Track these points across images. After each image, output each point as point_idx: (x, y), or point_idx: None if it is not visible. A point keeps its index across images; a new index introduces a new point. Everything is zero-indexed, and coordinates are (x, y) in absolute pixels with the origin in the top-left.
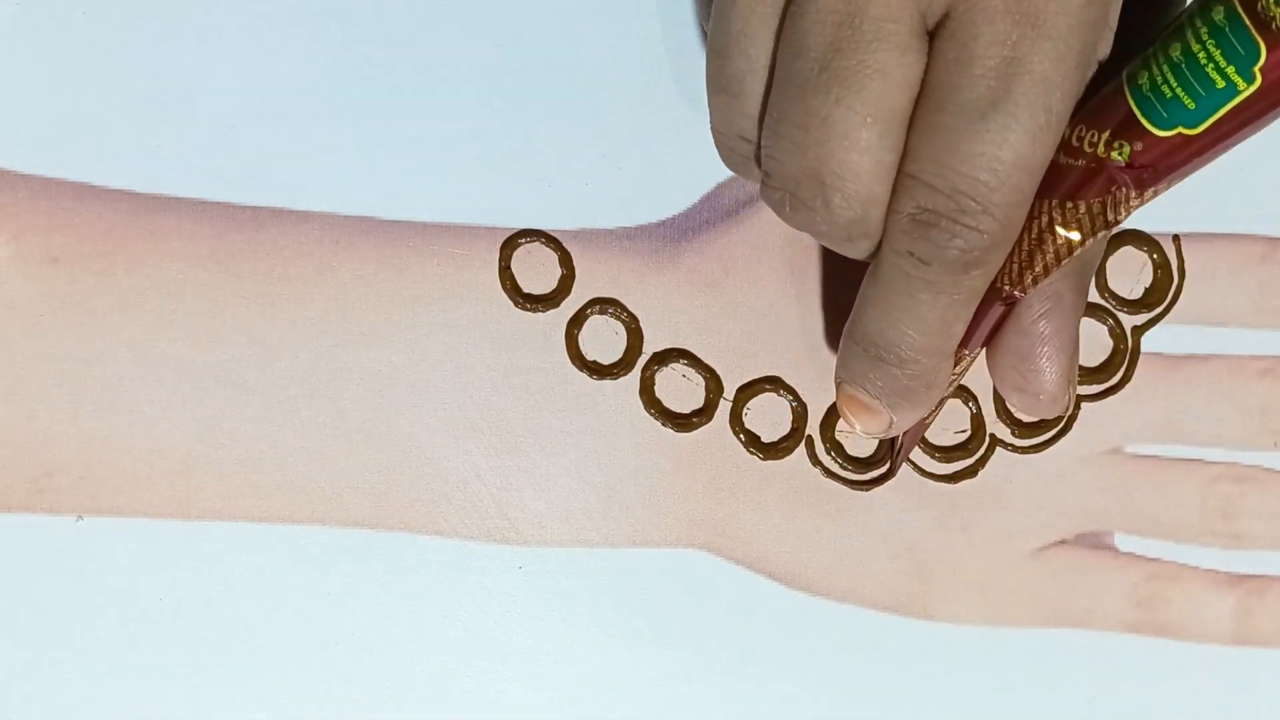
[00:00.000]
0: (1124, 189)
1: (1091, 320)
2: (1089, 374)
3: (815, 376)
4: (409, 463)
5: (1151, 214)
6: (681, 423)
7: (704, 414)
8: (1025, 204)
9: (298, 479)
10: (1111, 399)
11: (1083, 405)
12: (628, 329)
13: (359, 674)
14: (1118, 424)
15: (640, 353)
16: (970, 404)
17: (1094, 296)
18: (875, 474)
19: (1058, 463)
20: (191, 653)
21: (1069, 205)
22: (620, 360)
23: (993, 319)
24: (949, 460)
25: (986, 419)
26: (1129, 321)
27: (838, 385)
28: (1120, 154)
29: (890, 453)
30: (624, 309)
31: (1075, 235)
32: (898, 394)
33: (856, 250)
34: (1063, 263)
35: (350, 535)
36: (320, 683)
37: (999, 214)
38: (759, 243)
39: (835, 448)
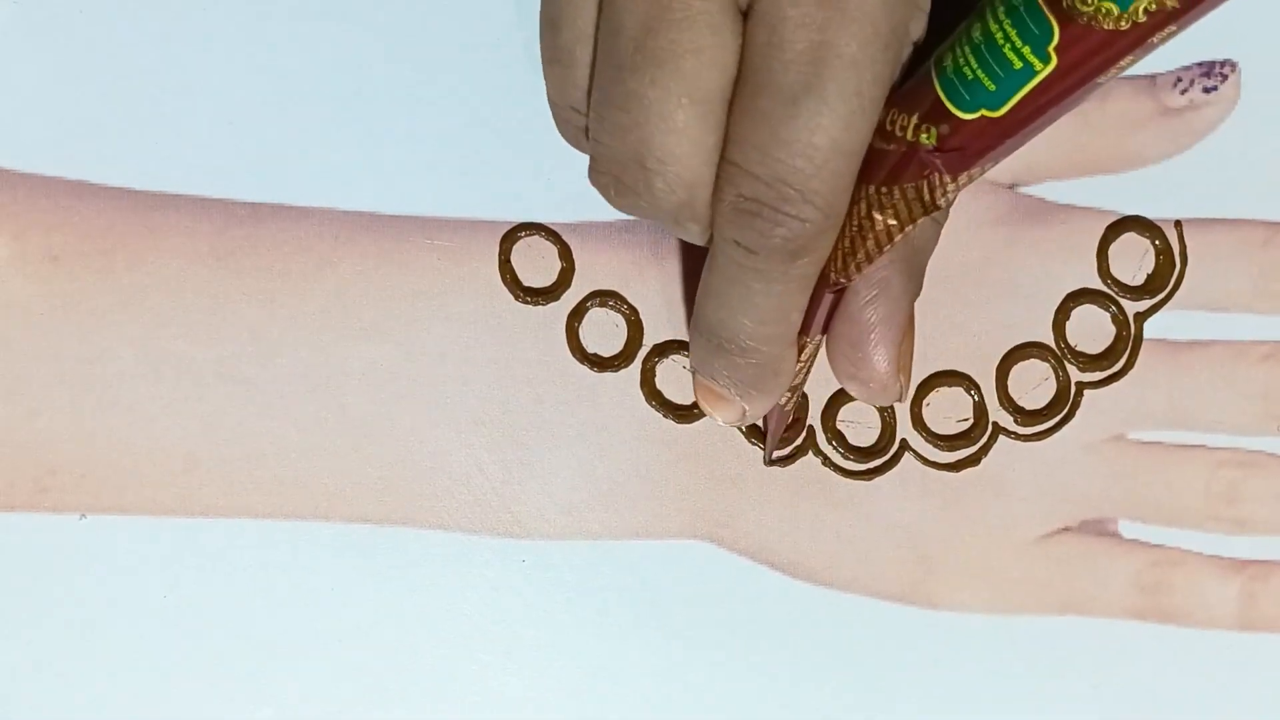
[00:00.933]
0: (936, 173)
1: (1094, 307)
2: (1092, 360)
3: (816, 366)
4: (411, 457)
5: (1153, 200)
6: (683, 414)
7: None
8: (846, 190)
9: (300, 475)
10: (1114, 385)
11: (1086, 392)
12: (628, 321)
13: (363, 669)
14: (1121, 410)
15: (641, 345)
16: (972, 392)
17: (1096, 283)
18: (877, 463)
19: (1061, 450)
20: (196, 650)
21: (885, 191)
22: (621, 352)
23: (827, 306)
24: (952, 448)
25: (989, 407)
26: (1131, 308)
27: (693, 375)
28: (929, 138)
29: (765, 442)
30: (624, 301)
31: (893, 221)
32: (745, 383)
33: (690, 235)
34: (884, 249)
35: (353, 530)
36: (324, 678)
37: (819, 201)
38: None
39: (837, 437)
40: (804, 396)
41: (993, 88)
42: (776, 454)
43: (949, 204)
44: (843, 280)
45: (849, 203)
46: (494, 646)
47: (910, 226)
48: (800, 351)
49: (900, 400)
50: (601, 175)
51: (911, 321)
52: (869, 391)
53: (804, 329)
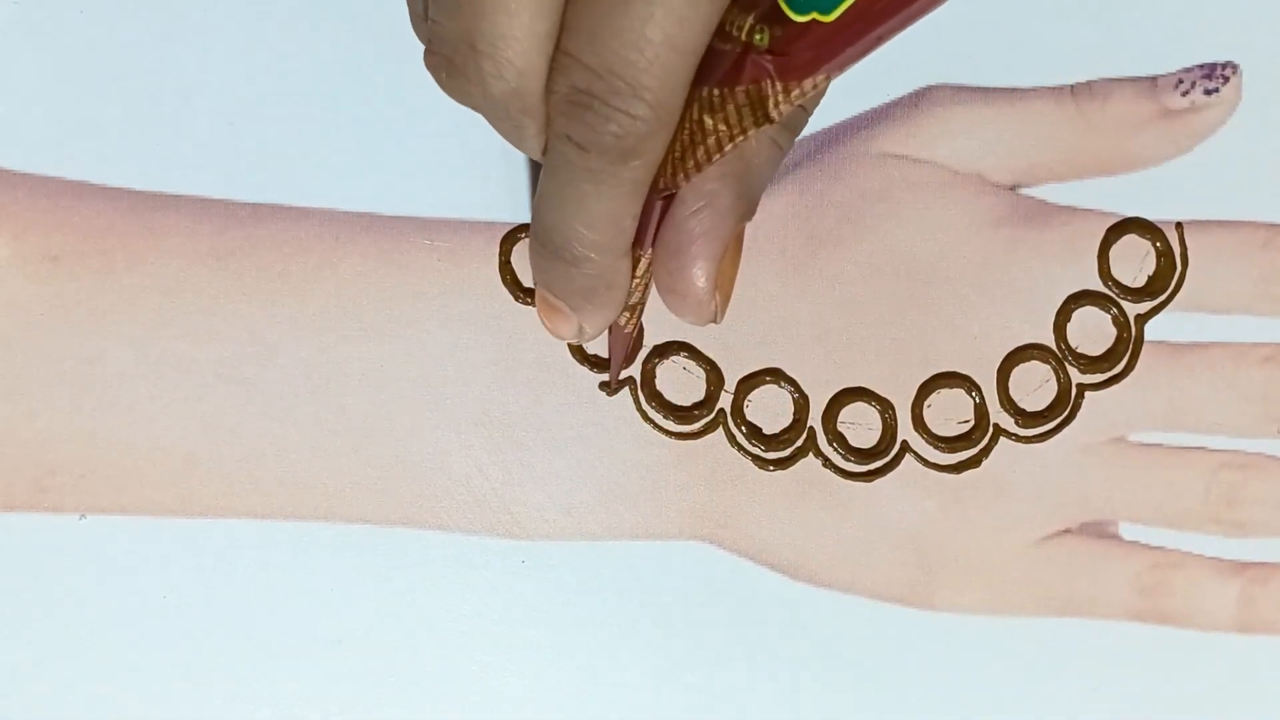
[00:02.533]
0: (769, 80)
1: (1095, 309)
2: (1093, 362)
3: (816, 367)
4: (411, 458)
5: (1154, 202)
6: (683, 415)
7: (705, 406)
8: (680, 89)
9: (300, 475)
10: (1115, 387)
11: (1087, 394)
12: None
13: (362, 670)
14: (1121, 412)
15: (640, 346)
16: (974, 394)
17: (1097, 284)
18: (878, 465)
19: (1061, 451)
20: (195, 650)
21: (718, 95)
22: None
23: (658, 215)
24: (952, 450)
25: (990, 409)
26: (1132, 310)
27: (535, 288)
28: (762, 39)
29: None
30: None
31: (724, 128)
32: (579, 295)
33: (526, 136)
34: (714, 158)
35: (353, 531)
36: (324, 679)
37: (651, 98)
38: (758, 234)
39: (837, 439)
40: (804, 398)
41: None
42: (776, 457)
43: (782, 117)
44: (672, 187)
45: (683, 105)
46: (494, 646)
47: (741, 136)
48: (635, 265)
49: (716, 322)
50: (434, 57)
51: (738, 245)
52: (684, 306)
53: (638, 241)
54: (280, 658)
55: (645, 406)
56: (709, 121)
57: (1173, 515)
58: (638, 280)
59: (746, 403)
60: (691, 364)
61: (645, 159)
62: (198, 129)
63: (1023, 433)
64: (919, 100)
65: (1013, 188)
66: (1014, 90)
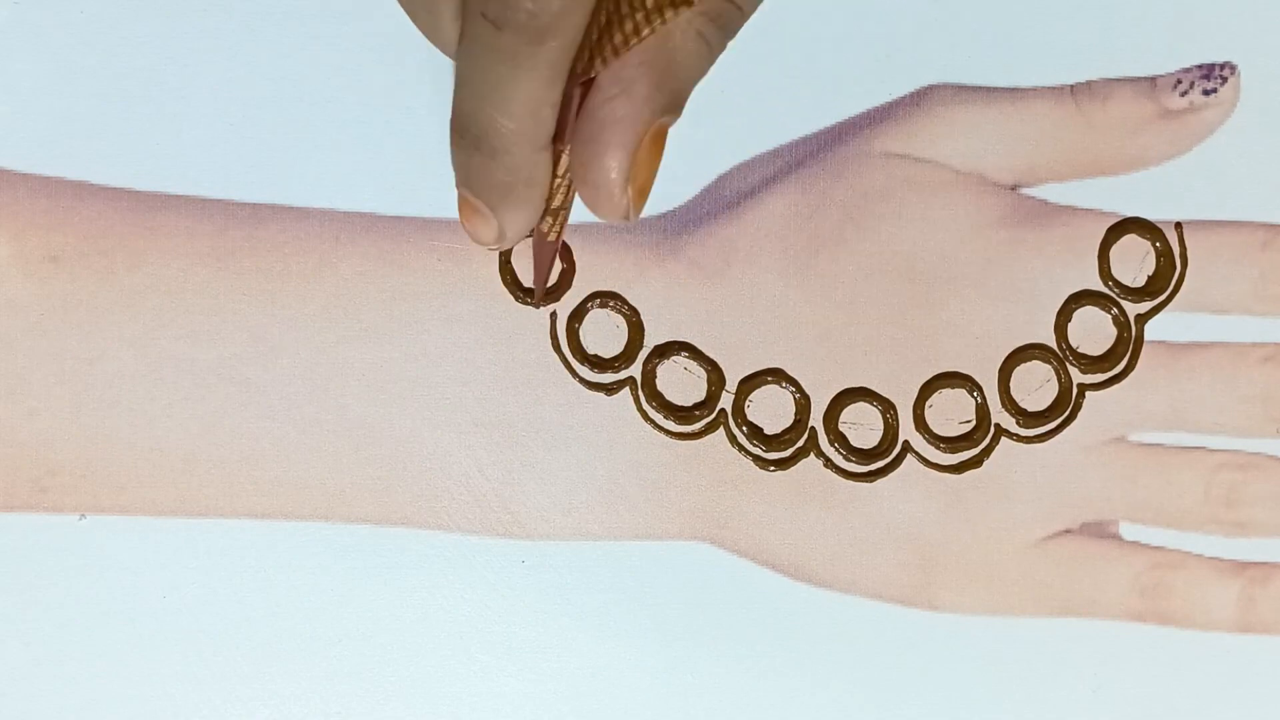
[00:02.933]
0: None
1: (1095, 309)
2: (1094, 362)
3: (818, 368)
4: (411, 458)
5: (1154, 202)
6: (683, 416)
7: (706, 407)
8: None
9: (300, 475)
10: (1115, 387)
11: (1087, 394)
12: (628, 322)
13: (362, 670)
14: (1121, 412)
15: (641, 346)
16: (974, 394)
17: (1097, 284)
18: (879, 465)
19: (1062, 452)
20: (195, 650)
21: None
22: (621, 354)
23: (577, 105)
24: (954, 450)
25: (991, 409)
26: (1132, 310)
27: (456, 188)
28: None
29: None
30: (625, 302)
31: (640, 13)
32: (497, 191)
33: (439, 26)
34: (631, 43)
35: (353, 531)
36: (324, 679)
37: None
38: (760, 235)
39: (839, 439)
40: (806, 398)
41: None
42: (777, 457)
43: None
44: (589, 73)
45: None
46: (494, 646)
47: (660, 20)
48: (556, 163)
49: (628, 219)
50: None
51: (658, 142)
52: (597, 198)
53: (559, 136)
54: (280, 658)
55: (646, 407)
56: (626, 3)
57: (1173, 515)
58: (559, 180)
59: (748, 403)
60: (692, 364)
61: (560, 40)
62: (198, 129)
63: (1024, 433)
64: (920, 100)
65: (1013, 187)
66: (1014, 90)
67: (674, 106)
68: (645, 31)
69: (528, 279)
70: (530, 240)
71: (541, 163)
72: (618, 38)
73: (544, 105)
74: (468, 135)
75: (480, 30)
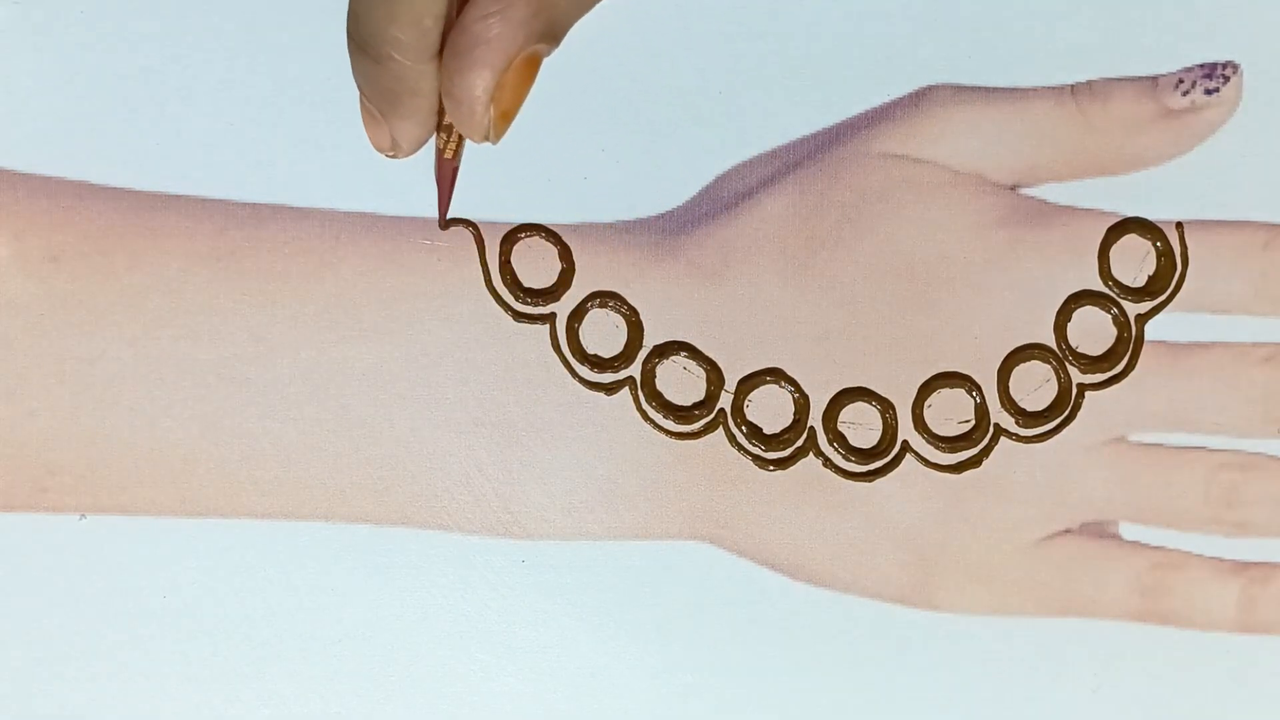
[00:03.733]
0: None
1: (1095, 309)
2: (1093, 362)
3: (817, 367)
4: (411, 458)
5: (1154, 202)
6: (683, 416)
7: (705, 406)
8: None
9: (300, 475)
10: (1115, 387)
11: (1087, 394)
12: (628, 322)
13: (362, 669)
14: (1122, 412)
15: (641, 345)
16: (974, 394)
17: (1097, 284)
18: (879, 465)
19: (1061, 452)
20: (195, 650)
21: None
22: (621, 354)
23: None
24: (953, 450)
25: (990, 409)
26: (1133, 310)
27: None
28: None
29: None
30: (624, 302)
31: None
32: (386, 98)
33: None
34: None
35: (353, 531)
36: (324, 678)
37: None
38: (758, 234)
39: (838, 439)
40: (805, 398)
41: None
42: (776, 457)
43: None
44: None
45: None
46: (494, 646)
47: None
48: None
49: (489, 140)
50: None
51: (529, 68)
52: (459, 113)
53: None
54: (280, 657)
55: (645, 406)
56: None
57: (1173, 515)
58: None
59: (747, 403)
60: (692, 364)
61: None
62: (198, 129)
63: (1023, 433)
64: (919, 100)
65: (1013, 188)
66: (1015, 90)
67: (549, 35)
68: None
69: (529, 279)
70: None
71: (427, 74)
72: None
73: (426, 16)
74: (356, 38)
75: None
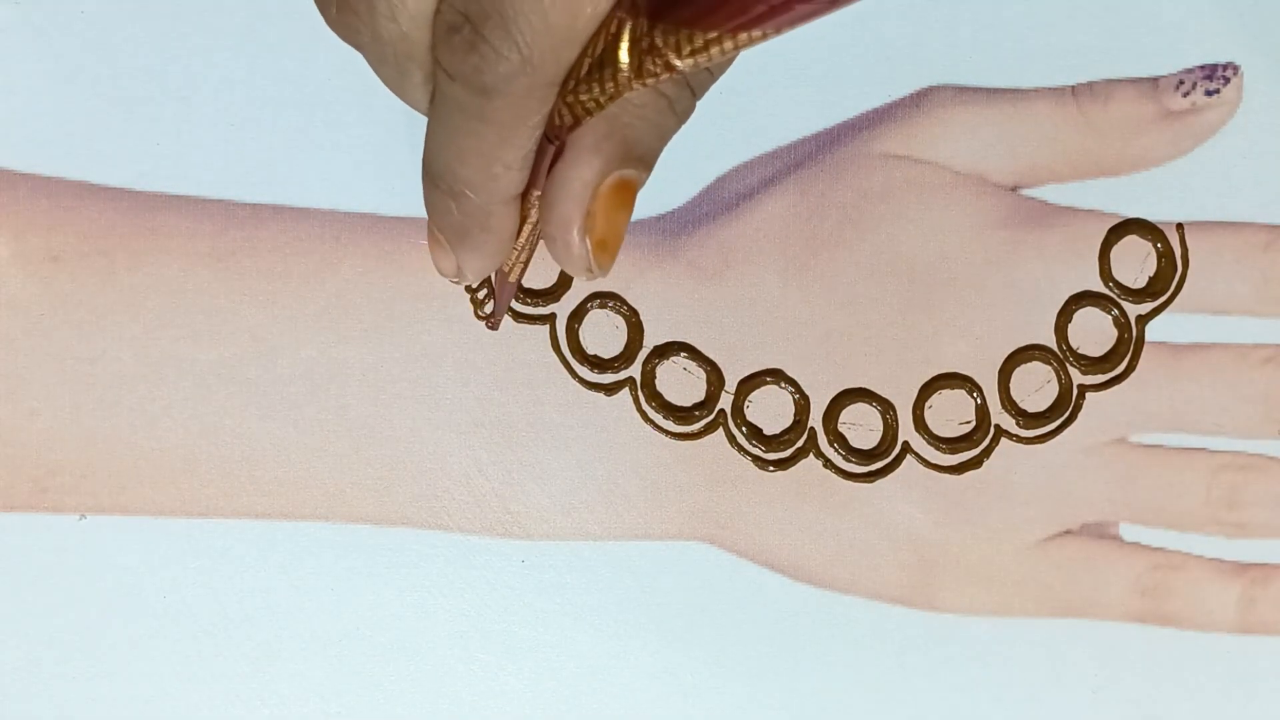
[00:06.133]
0: (626, 20)
1: (1096, 310)
2: (1094, 363)
3: (817, 368)
4: (411, 458)
5: (1155, 203)
6: (683, 416)
7: (705, 407)
8: (559, 41)
9: (300, 475)
10: (1116, 388)
11: (1088, 395)
12: (628, 323)
13: (362, 669)
14: (1122, 413)
15: (641, 346)
16: (974, 395)
17: (1098, 285)
18: (879, 465)
19: (1062, 453)
20: (195, 650)
21: (608, 42)
22: (621, 354)
23: (547, 160)
24: (954, 451)
25: (991, 410)
26: (1133, 311)
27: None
28: None
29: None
30: (624, 303)
31: (608, 82)
32: (454, 231)
33: (408, 85)
34: (594, 108)
35: (353, 531)
36: (324, 678)
37: (521, 39)
38: (759, 235)
39: (838, 440)
40: (805, 399)
41: None
42: (776, 458)
43: (674, 74)
44: (559, 136)
45: (565, 58)
46: (493, 646)
47: (628, 87)
48: (527, 212)
49: (593, 274)
50: None
51: (620, 195)
52: (556, 250)
53: (532, 183)
54: (280, 657)
55: (645, 407)
56: (594, 68)
57: (1173, 516)
58: (531, 226)
59: (747, 403)
60: (692, 364)
61: (511, 101)
62: (198, 129)
63: (1024, 434)
64: (920, 101)
65: (1014, 188)
66: (1015, 91)
67: (631, 158)
68: (609, 99)
69: (528, 279)
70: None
71: (499, 214)
72: (583, 99)
73: (497, 162)
74: (430, 171)
75: (440, 80)
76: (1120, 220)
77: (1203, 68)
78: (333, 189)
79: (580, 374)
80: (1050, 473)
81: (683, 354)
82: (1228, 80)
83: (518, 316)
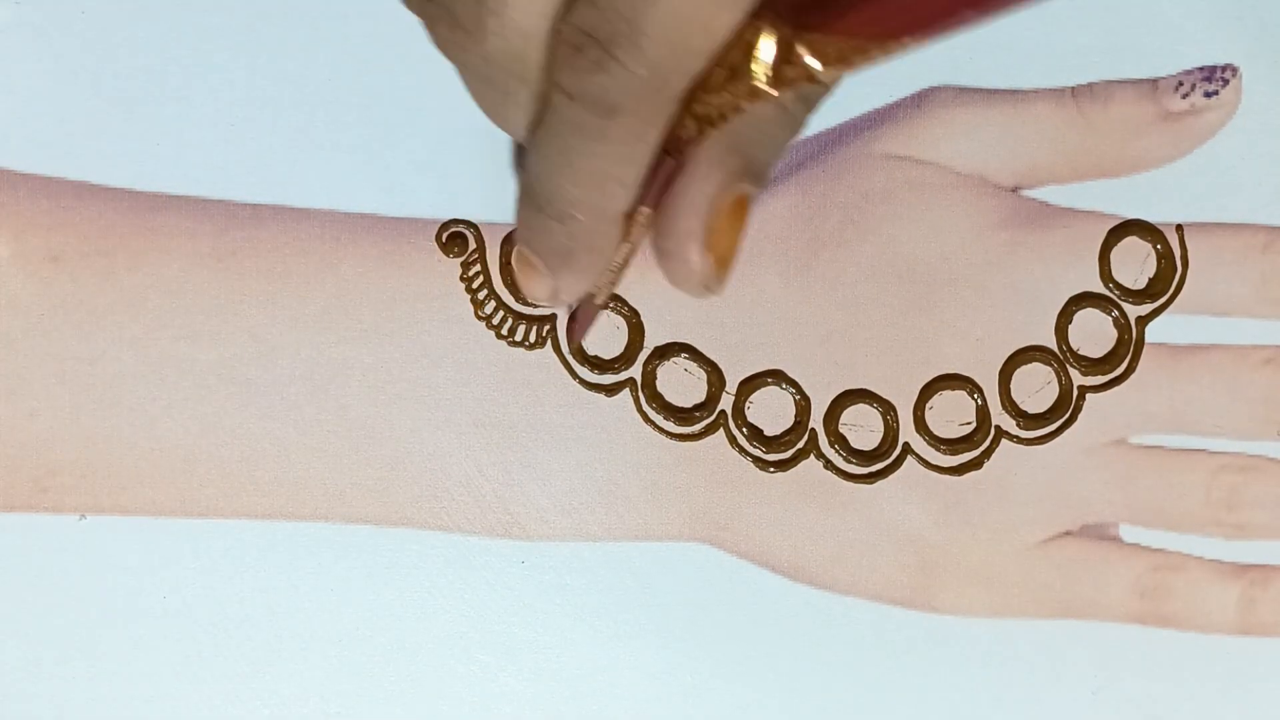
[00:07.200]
0: (763, 28)
1: (1096, 311)
2: (1094, 364)
3: (818, 369)
4: (411, 458)
5: (1155, 204)
6: (684, 417)
7: (706, 408)
8: (690, 54)
9: (300, 476)
10: (1116, 389)
11: (1088, 396)
12: (629, 323)
13: (362, 670)
14: (1122, 415)
15: (641, 347)
16: (975, 396)
17: (1098, 287)
18: (880, 466)
19: (1062, 454)
20: (195, 651)
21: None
22: (621, 355)
23: (662, 176)
24: (954, 452)
25: (991, 411)
26: (1133, 312)
27: (516, 242)
28: None
29: (570, 331)
30: (625, 303)
31: (725, 95)
32: (557, 254)
33: (510, 105)
34: (711, 126)
35: (353, 531)
36: (324, 679)
37: (652, 54)
38: (760, 236)
39: (839, 441)
40: (806, 400)
41: None
42: (777, 459)
43: (804, 84)
44: (677, 151)
45: (689, 75)
46: (493, 647)
47: (745, 101)
48: (628, 229)
49: (710, 290)
50: (434, 6)
51: (738, 210)
52: (674, 268)
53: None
54: (280, 658)
55: (646, 408)
56: (713, 83)
57: (1173, 517)
58: (629, 244)
59: (748, 404)
60: (692, 365)
61: (637, 119)
62: (198, 129)
63: (1024, 435)
64: (921, 101)
65: (1014, 189)
66: (1015, 92)
67: (750, 173)
68: (739, 109)
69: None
70: None
71: (607, 234)
72: (712, 110)
73: (611, 181)
74: (534, 197)
75: (556, 99)
76: (1120, 221)
77: (1202, 69)
78: (333, 189)
79: (581, 374)
80: (1050, 474)
81: (683, 354)
82: (1227, 82)
83: (518, 317)
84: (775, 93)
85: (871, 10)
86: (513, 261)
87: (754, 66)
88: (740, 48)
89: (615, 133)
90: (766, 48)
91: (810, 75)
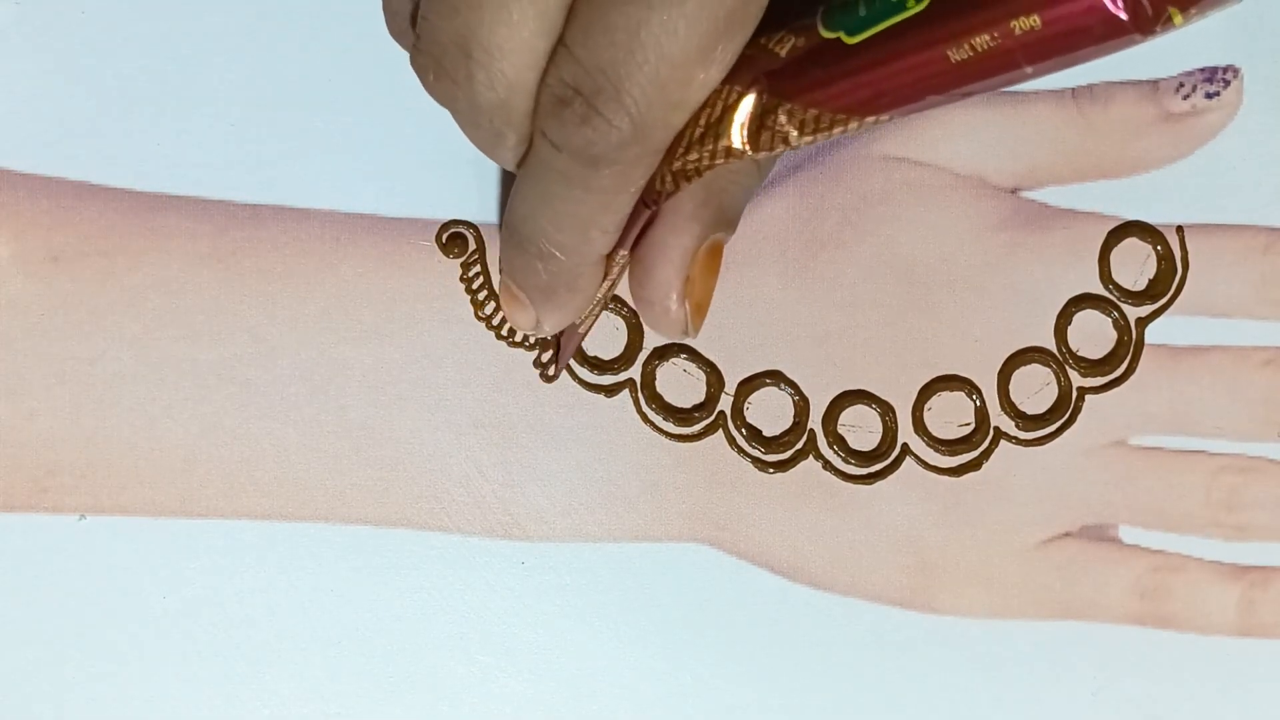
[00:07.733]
0: (745, 93)
1: (1096, 312)
2: (1094, 365)
3: (817, 370)
4: (411, 459)
5: (1155, 205)
6: (684, 417)
7: (705, 409)
8: (670, 108)
9: (300, 476)
10: (1116, 391)
11: (1087, 397)
12: (628, 324)
13: (362, 671)
14: (1122, 416)
15: (641, 348)
16: (974, 397)
17: (1098, 288)
18: (879, 467)
19: (1062, 455)
20: (195, 651)
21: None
22: (621, 355)
23: (640, 223)
24: (953, 453)
25: (990, 412)
26: (1133, 313)
27: (500, 276)
28: (781, 49)
29: (554, 357)
30: (624, 304)
31: (704, 150)
32: (540, 290)
33: (501, 148)
34: (703, 172)
35: (353, 532)
36: (323, 680)
37: (634, 109)
38: (759, 237)
39: (838, 442)
40: (805, 401)
41: (863, 12)
42: (776, 460)
43: (760, 148)
44: (656, 202)
45: (673, 127)
46: (493, 648)
47: (722, 159)
48: (608, 269)
49: (688, 335)
50: (423, 56)
51: (714, 259)
52: (653, 314)
53: (619, 243)
54: (279, 658)
55: (645, 409)
56: (690, 136)
57: (1173, 519)
58: (609, 282)
59: (747, 405)
60: (691, 366)
61: (618, 170)
62: (198, 129)
63: (1023, 436)
64: None
65: (1014, 190)
66: (1016, 93)
67: (723, 222)
68: (714, 166)
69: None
70: None
71: (588, 274)
72: (690, 165)
73: (593, 227)
74: (516, 236)
75: (540, 146)
76: (1120, 223)
77: (1203, 70)
78: (333, 189)
79: (580, 375)
80: (1050, 475)
81: (682, 355)
82: (1228, 83)
83: None
84: (751, 153)
85: (851, 85)
86: (498, 291)
87: (732, 129)
88: (719, 108)
89: (598, 183)
90: (744, 111)
91: (786, 140)
